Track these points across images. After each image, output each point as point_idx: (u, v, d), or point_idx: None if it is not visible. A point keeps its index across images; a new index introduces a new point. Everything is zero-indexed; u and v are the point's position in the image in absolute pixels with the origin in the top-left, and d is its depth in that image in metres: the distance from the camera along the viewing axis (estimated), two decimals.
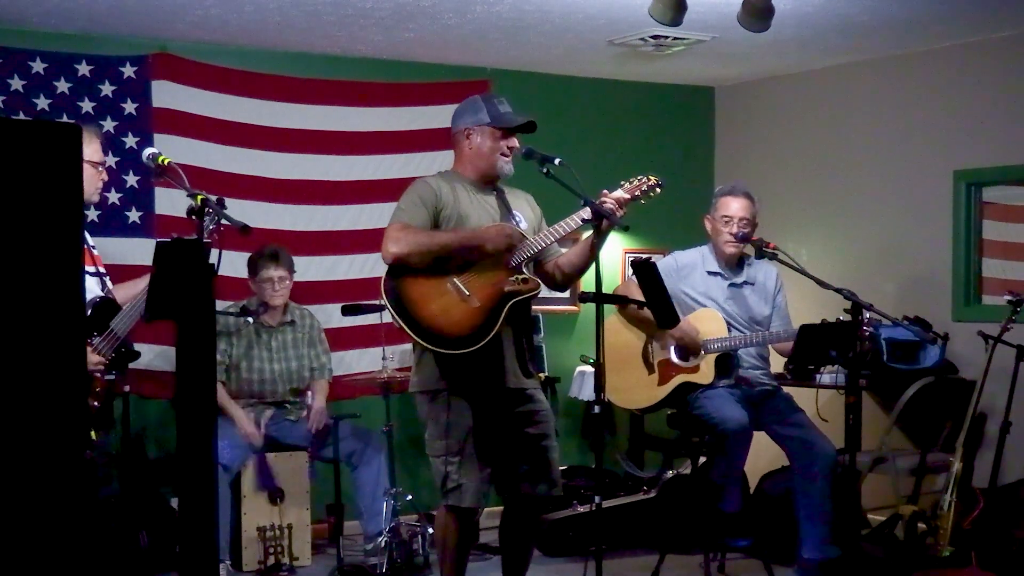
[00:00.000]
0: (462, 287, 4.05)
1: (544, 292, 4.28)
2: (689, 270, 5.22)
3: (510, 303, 4.05)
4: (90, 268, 4.58)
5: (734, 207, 5.15)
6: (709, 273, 5.21)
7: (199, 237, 3.58)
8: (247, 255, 5.67)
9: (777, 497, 5.59)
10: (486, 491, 4.22)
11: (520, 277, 4.10)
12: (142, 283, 4.63)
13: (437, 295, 4.04)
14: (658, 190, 4.22)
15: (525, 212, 4.29)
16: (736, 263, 5.25)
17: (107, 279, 4.86)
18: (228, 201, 4.11)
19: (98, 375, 4.32)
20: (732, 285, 5.21)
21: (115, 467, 5.02)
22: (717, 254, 5.22)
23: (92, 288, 4.43)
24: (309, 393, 5.73)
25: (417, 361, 4.20)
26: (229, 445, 5.23)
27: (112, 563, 4.84)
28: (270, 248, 5.62)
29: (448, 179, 4.22)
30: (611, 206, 4.03)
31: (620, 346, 5.13)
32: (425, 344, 4.04)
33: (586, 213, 4.02)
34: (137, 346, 5.36)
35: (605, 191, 4.11)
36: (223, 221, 3.69)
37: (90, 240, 4.85)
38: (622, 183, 4.20)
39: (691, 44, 6.07)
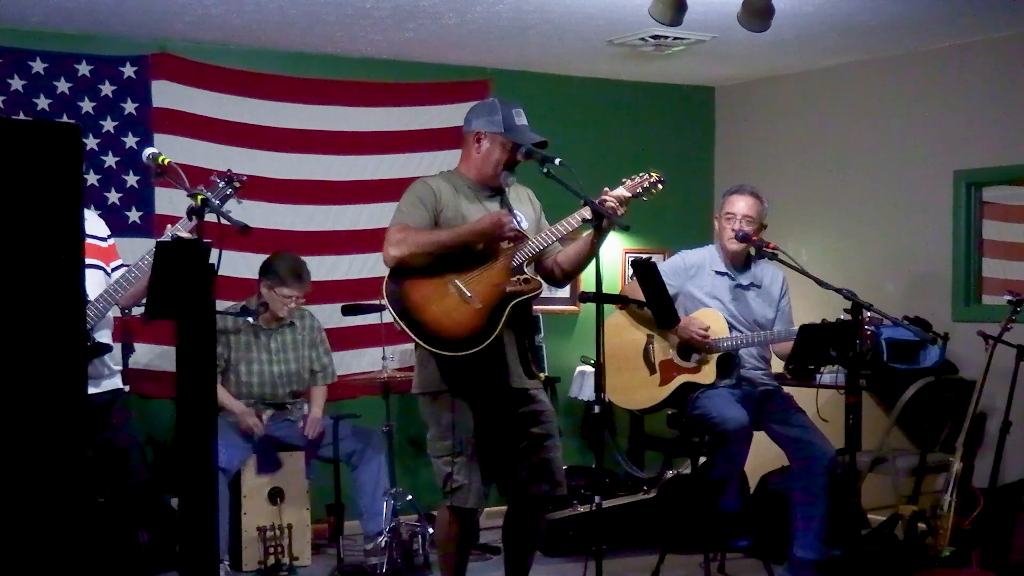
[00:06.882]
0: (464, 288, 4.04)
1: (544, 291, 4.27)
2: (697, 269, 5.22)
3: (512, 304, 4.05)
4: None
5: (737, 205, 5.16)
6: (716, 273, 5.22)
7: (199, 237, 3.58)
8: (247, 255, 5.67)
9: (777, 497, 5.58)
10: (487, 492, 4.22)
11: (521, 278, 4.09)
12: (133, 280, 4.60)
13: (439, 297, 4.04)
14: (660, 186, 4.22)
15: (526, 211, 4.28)
16: (743, 263, 5.25)
17: (111, 270, 4.77)
18: (229, 201, 4.12)
19: None
20: (738, 286, 5.21)
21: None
22: (723, 253, 5.23)
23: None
24: (306, 405, 5.70)
25: (419, 362, 4.19)
26: (226, 446, 5.22)
27: (112, 563, 4.84)
28: (295, 263, 5.56)
29: (449, 179, 4.21)
30: (612, 204, 4.03)
31: (622, 346, 5.13)
32: (427, 347, 4.04)
33: (586, 212, 4.01)
34: (137, 346, 5.35)
35: (607, 188, 4.11)
36: (223, 221, 3.69)
37: (104, 231, 4.81)
38: (623, 180, 4.20)
39: (691, 44, 6.08)
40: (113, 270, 4.74)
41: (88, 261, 4.58)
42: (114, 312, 4.71)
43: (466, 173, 4.22)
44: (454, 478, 4.10)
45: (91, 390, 4.52)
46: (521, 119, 4.16)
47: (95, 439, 4.51)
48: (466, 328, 4.01)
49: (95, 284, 4.57)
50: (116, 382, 4.75)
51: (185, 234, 4.04)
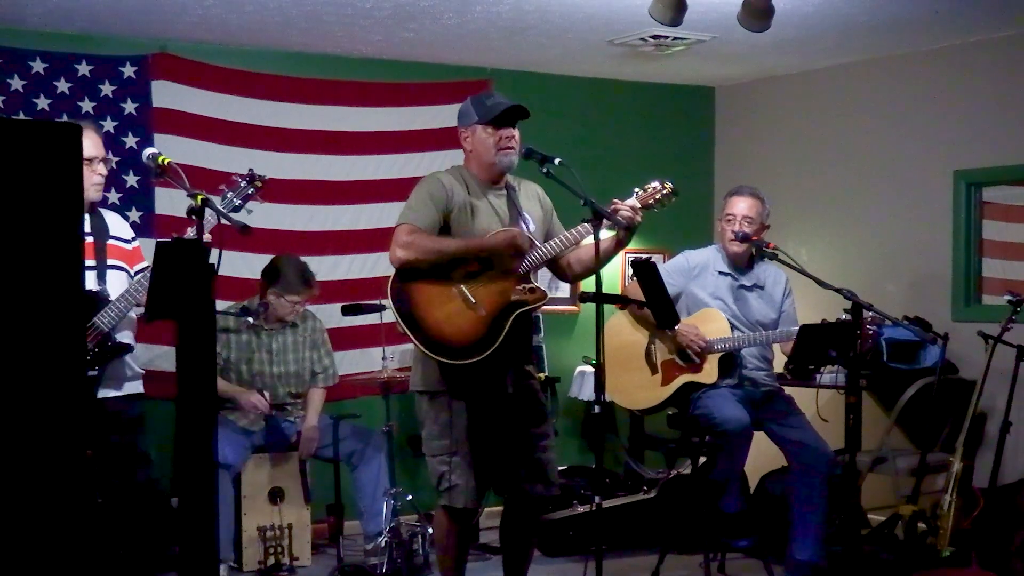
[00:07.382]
0: (469, 294, 4.03)
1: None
2: (700, 269, 5.22)
3: (515, 313, 4.04)
4: (88, 262, 4.51)
5: (737, 206, 5.16)
6: (719, 273, 5.22)
7: (199, 237, 3.58)
8: (247, 255, 5.67)
9: (777, 497, 5.59)
10: (483, 492, 4.22)
11: (527, 287, 4.07)
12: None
13: (443, 301, 4.03)
14: (674, 198, 4.17)
15: (535, 210, 4.27)
16: (746, 264, 5.25)
17: (135, 272, 4.69)
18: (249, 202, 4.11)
19: None
20: (741, 287, 5.21)
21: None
22: (725, 254, 5.23)
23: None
24: (299, 416, 5.70)
25: (418, 360, 4.19)
26: (229, 444, 5.23)
27: (113, 563, 4.83)
28: (302, 268, 5.56)
29: (459, 175, 4.20)
30: (628, 214, 4.00)
31: (623, 346, 5.13)
32: (428, 353, 4.03)
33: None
34: (137, 346, 5.32)
35: (616, 200, 4.06)
36: (223, 220, 3.69)
37: (129, 233, 4.75)
38: (635, 190, 4.14)
39: (691, 44, 6.08)
40: (137, 273, 4.66)
41: (111, 262, 4.55)
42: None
43: (471, 170, 4.23)
44: (448, 478, 4.11)
45: (111, 393, 4.50)
46: (493, 99, 4.16)
47: (109, 441, 4.45)
48: (468, 336, 4.00)
49: (118, 285, 4.54)
50: (137, 386, 4.63)
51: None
